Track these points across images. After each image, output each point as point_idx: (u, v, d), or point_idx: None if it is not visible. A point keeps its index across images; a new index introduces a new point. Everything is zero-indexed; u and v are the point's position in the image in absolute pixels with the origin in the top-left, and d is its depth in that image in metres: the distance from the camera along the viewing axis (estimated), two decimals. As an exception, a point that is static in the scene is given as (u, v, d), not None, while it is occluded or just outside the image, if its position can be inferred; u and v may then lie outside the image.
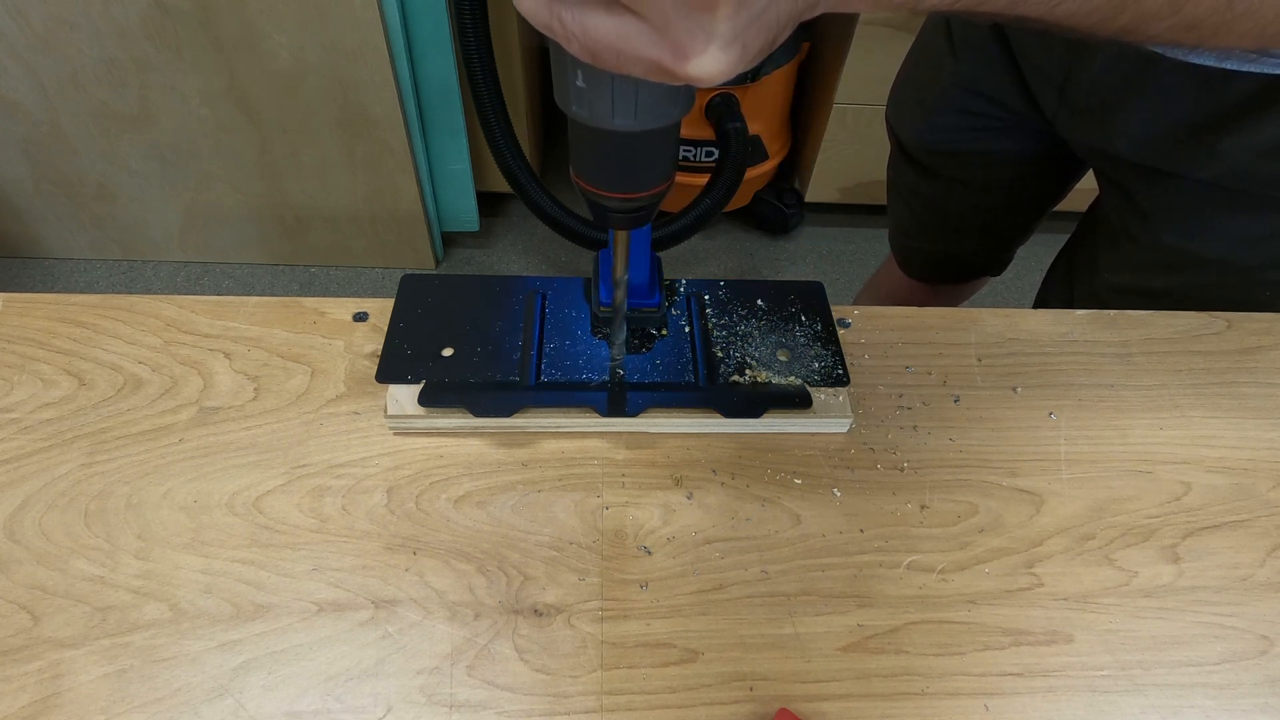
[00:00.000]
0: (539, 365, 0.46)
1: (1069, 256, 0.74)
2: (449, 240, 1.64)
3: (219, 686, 0.35)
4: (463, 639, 0.37)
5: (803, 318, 0.49)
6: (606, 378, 0.45)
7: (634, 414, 0.44)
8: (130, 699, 0.35)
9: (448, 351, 0.46)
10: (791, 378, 0.46)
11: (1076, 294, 0.70)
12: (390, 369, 0.45)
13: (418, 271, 0.48)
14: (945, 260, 0.90)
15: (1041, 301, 0.80)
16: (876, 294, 1.06)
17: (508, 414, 0.44)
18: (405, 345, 0.46)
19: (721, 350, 0.47)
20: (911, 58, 0.78)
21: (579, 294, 0.50)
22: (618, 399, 0.44)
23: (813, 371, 0.46)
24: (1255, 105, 0.49)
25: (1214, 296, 0.58)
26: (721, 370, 0.46)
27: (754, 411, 0.45)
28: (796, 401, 0.45)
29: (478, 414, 0.44)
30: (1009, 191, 0.77)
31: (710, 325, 0.48)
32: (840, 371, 0.46)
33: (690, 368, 0.46)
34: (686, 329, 0.48)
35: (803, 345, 0.47)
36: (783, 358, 0.47)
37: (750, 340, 0.48)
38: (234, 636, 0.37)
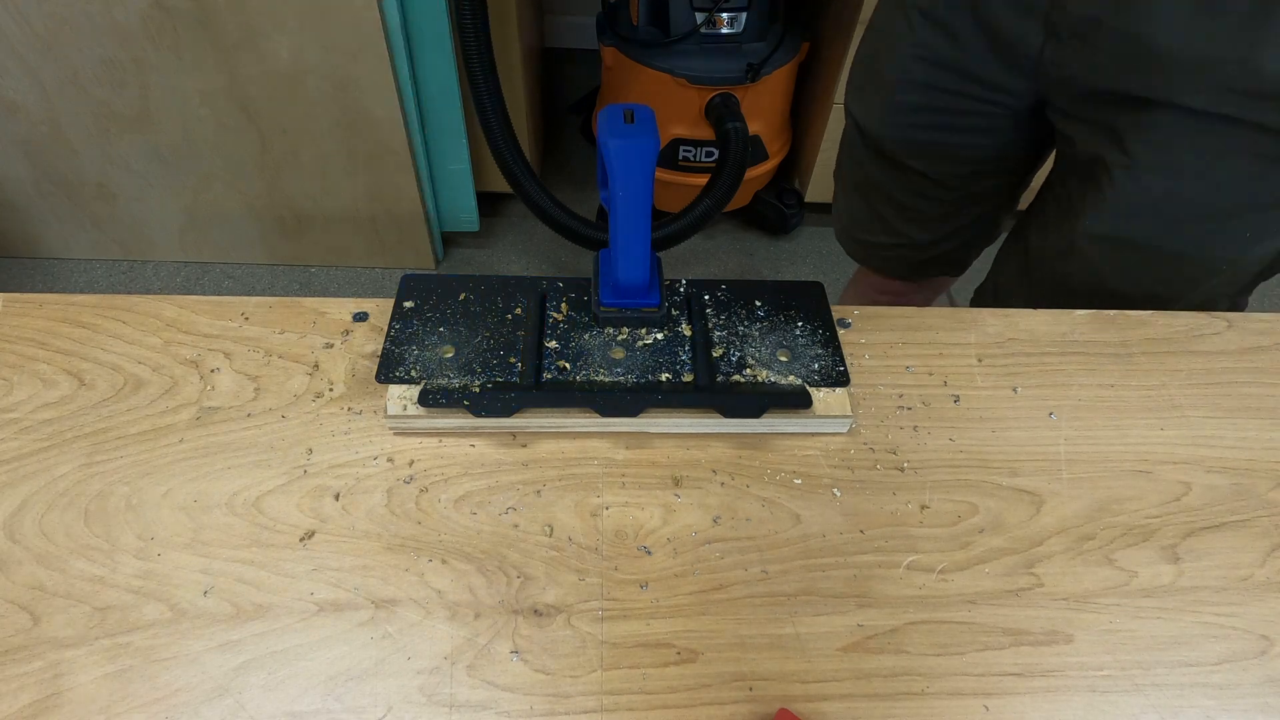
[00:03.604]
0: (539, 365, 0.46)
1: (1024, 230, 0.72)
2: (449, 240, 1.64)
3: (219, 686, 0.35)
4: (463, 639, 0.37)
5: (803, 318, 0.49)
6: (607, 377, 0.45)
7: (634, 414, 0.44)
8: (130, 699, 0.35)
9: (448, 352, 0.46)
10: (791, 377, 0.46)
11: (1046, 248, 0.68)
12: (390, 369, 0.45)
13: (418, 271, 0.48)
14: (903, 256, 0.87)
15: (993, 280, 0.79)
16: (856, 290, 1.05)
17: (508, 414, 0.44)
18: (405, 345, 0.46)
19: (721, 350, 0.47)
20: (868, 37, 0.74)
21: (579, 294, 0.50)
22: (618, 399, 0.44)
23: (813, 371, 0.46)
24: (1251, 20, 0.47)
25: (1195, 252, 0.57)
26: (721, 370, 0.46)
27: (754, 411, 0.45)
28: (796, 401, 0.45)
29: (478, 414, 0.44)
30: (972, 184, 0.75)
31: (710, 325, 0.48)
32: (841, 370, 0.46)
33: (690, 368, 0.46)
34: (686, 329, 0.48)
35: (803, 345, 0.47)
36: (783, 358, 0.47)
37: (750, 340, 0.48)
38: (234, 636, 0.37)
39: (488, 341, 0.47)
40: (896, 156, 0.75)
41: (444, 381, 0.45)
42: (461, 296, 0.49)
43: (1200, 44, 0.51)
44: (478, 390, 0.44)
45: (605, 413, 0.44)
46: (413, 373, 0.45)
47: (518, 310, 0.48)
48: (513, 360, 0.46)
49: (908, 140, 0.73)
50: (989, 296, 0.81)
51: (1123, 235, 0.61)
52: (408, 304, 0.48)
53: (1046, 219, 0.69)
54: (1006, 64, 0.62)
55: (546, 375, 0.45)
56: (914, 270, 0.89)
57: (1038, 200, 0.73)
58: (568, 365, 0.46)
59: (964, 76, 0.65)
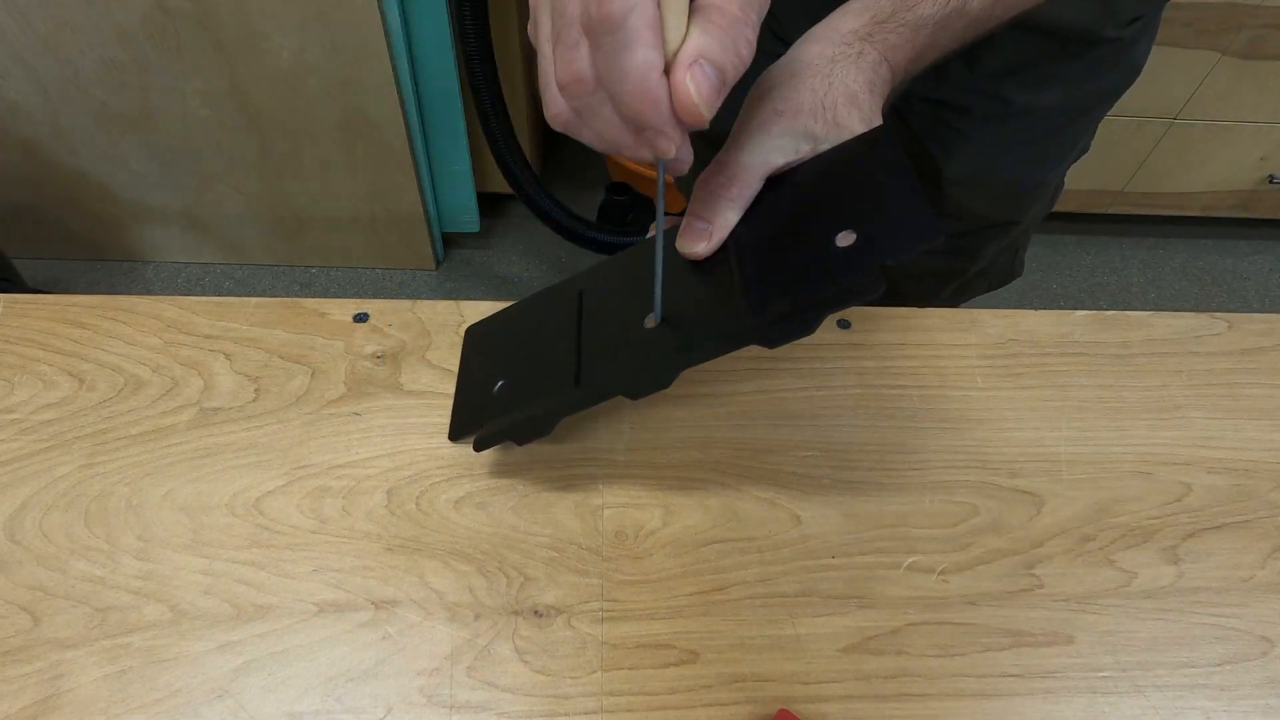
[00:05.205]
0: (579, 367, 0.41)
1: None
2: (449, 240, 1.64)
3: (219, 688, 0.35)
4: (463, 640, 0.37)
5: (867, 177, 0.36)
6: (640, 359, 0.39)
7: (665, 386, 0.37)
8: (130, 700, 0.35)
9: (499, 386, 0.44)
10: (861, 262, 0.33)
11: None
12: (460, 424, 0.44)
13: (476, 323, 0.48)
14: None
15: None
16: None
17: (547, 432, 0.41)
18: (470, 395, 0.45)
19: (761, 264, 0.36)
20: None
21: (614, 276, 0.44)
22: (645, 379, 0.38)
23: (890, 242, 0.32)
24: None
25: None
26: (766, 288, 0.35)
27: (805, 328, 0.33)
28: (858, 294, 0.32)
29: (521, 443, 0.42)
30: None
31: (745, 232, 0.38)
32: (929, 217, 0.31)
33: (732, 294, 0.36)
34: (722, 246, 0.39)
35: (867, 214, 0.34)
36: (844, 244, 0.33)
37: (799, 233, 0.35)
38: (234, 637, 0.37)
39: (533, 361, 0.44)
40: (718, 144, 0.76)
41: (497, 419, 0.43)
42: (512, 325, 0.47)
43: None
44: (515, 420, 0.41)
45: (635, 396, 0.39)
46: (476, 420, 0.43)
47: (559, 317, 0.45)
48: (555, 371, 0.42)
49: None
50: None
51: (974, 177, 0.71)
52: (471, 355, 0.47)
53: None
54: None
55: (585, 375, 0.40)
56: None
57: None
58: (607, 357, 0.41)
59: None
